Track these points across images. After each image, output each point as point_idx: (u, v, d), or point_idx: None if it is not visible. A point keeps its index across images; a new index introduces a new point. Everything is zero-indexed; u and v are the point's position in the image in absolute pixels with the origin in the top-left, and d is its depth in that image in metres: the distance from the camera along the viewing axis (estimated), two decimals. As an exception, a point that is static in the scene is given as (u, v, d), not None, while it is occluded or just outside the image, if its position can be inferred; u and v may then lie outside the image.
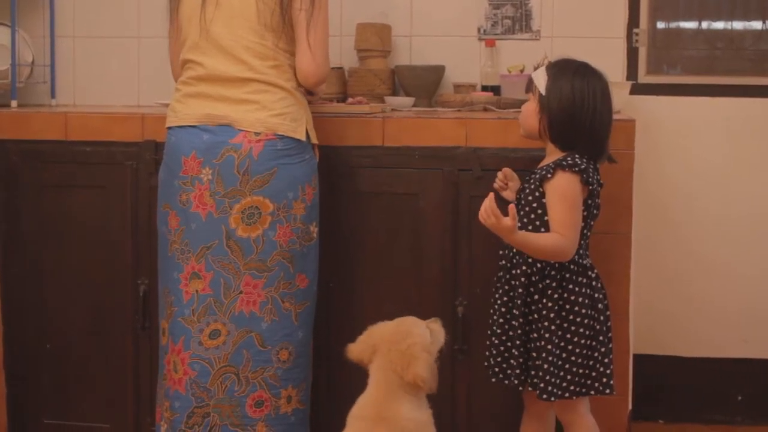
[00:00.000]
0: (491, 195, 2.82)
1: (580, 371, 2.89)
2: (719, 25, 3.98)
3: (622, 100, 3.59)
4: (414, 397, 2.76)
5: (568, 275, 2.88)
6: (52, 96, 4.08)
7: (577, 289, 2.88)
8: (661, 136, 3.92)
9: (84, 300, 3.51)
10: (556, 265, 2.88)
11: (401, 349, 2.76)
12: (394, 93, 3.87)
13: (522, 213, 2.93)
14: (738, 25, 3.98)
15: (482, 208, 2.80)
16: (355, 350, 2.83)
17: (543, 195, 2.89)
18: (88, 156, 3.46)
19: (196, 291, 3.00)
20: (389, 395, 2.74)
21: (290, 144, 2.99)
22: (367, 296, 3.32)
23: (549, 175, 2.86)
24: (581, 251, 2.90)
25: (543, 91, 2.92)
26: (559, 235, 2.82)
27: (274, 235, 2.98)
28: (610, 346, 2.94)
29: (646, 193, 3.72)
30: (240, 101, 2.98)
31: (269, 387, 3.01)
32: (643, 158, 3.37)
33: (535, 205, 2.90)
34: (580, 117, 2.88)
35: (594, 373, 2.90)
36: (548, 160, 2.93)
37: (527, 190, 2.94)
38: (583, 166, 2.83)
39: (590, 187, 2.86)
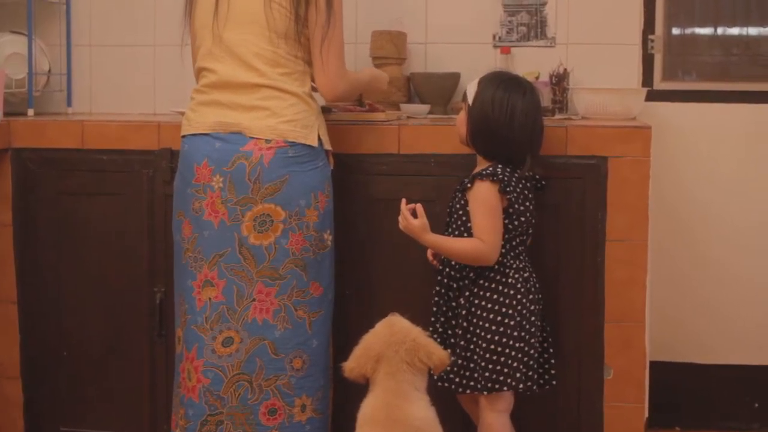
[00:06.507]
0: (403, 200, 3.07)
1: (489, 366, 2.97)
2: (734, 31, 3.98)
3: (637, 106, 3.59)
4: (422, 395, 2.81)
5: (485, 272, 3.02)
6: (69, 104, 4.09)
7: (487, 284, 3.02)
8: (677, 143, 3.91)
9: (100, 308, 3.52)
10: (475, 266, 3.03)
11: (409, 347, 2.80)
12: (410, 100, 3.87)
13: (453, 223, 3.09)
14: (753, 31, 3.97)
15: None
16: (356, 366, 2.83)
17: (467, 204, 3.03)
18: (105, 164, 3.47)
19: (209, 299, 3.00)
20: (399, 398, 2.77)
21: (302, 151, 2.98)
22: (383, 303, 3.31)
23: (469, 185, 3.03)
24: (503, 251, 3.02)
25: (470, 102, 3.06)
26: (479, 240, 2.97)
27: (286, 242, 2.98)
28: (532, 341, 3.02)
29: (661, 200, 3.71)
30: (251, 108, 2.97)
31: (282, 395, 3.01)
32: (658, 165, 3.36)
33: (461, 212, 3.06)
34: (495, 128, 3.03)
35: (506, 369, 2.97)
36: (477, 169, 3.08)
37: (455, 200, 3.09)
38: (500, 176, 2.98)
39: (509, 197, 2.98)
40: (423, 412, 2.78)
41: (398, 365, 2.78)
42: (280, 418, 3.01)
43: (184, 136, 3.07)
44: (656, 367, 3.61)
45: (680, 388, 3.94)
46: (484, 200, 2.99)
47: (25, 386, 3.59)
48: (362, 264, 3.37)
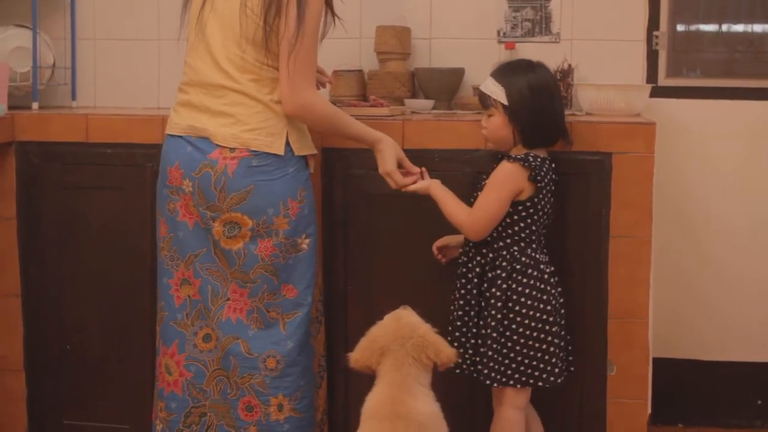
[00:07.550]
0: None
1: (525, 361, 2.96)
2: (739, 27, 3.97)
3: (641, 103, 3.59)
4: (427, 390, 2.81)
5: (519, 266, 2.98)
6: (73, 98, 4.10)
7: (525, 280, 2.97)
8: (681, 140, 3.90)
9: (103, 301, 3.53)
10: (507, 256, 2.99)
11: (416, 342, 2.79)
12: (414, 95, 3.87)
13: None
14: (758, 27, 3.97)
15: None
16: (360, 357, 2.82)
17: None
18: (109, 158, 3.47)
19: (188, 296, 3.02)
20: (404, 392, 2.76)
21: (267, 160, 2.94)
22: (385, 298, 3.31)
23: (495, 165, 3.02)
24: (534, 245, 3.00)
25: (505, 102, 2.99)
26: (469, 212, 2.98)
27: (255, 248, 2.96)
28: (562, 333, 3.04)
29: (664, 196, 3.70)
30: (218, 113, 2.95)
31: (257, 393, 3.00)
32: (662, 162, 3.36)
33: None
34: (546, 111, 3.01)
35: (542, 365, 2.96)
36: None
37: (483, 183, 3.05)
38: (533, 163, 2.95)
39: (539, 185, 2.95)
40: (427, 407, 2.77)
41: (403, 359, 2.78)
42: (257, 416, 3.01)
43: (166, 135, 3.07)
44: (659, 363, 3.61)
45: (683, 384, 3.94)
46: (497, 178, 2.97)
47: (28, 380, 3.59)
48: (364, 260, 3.37)
